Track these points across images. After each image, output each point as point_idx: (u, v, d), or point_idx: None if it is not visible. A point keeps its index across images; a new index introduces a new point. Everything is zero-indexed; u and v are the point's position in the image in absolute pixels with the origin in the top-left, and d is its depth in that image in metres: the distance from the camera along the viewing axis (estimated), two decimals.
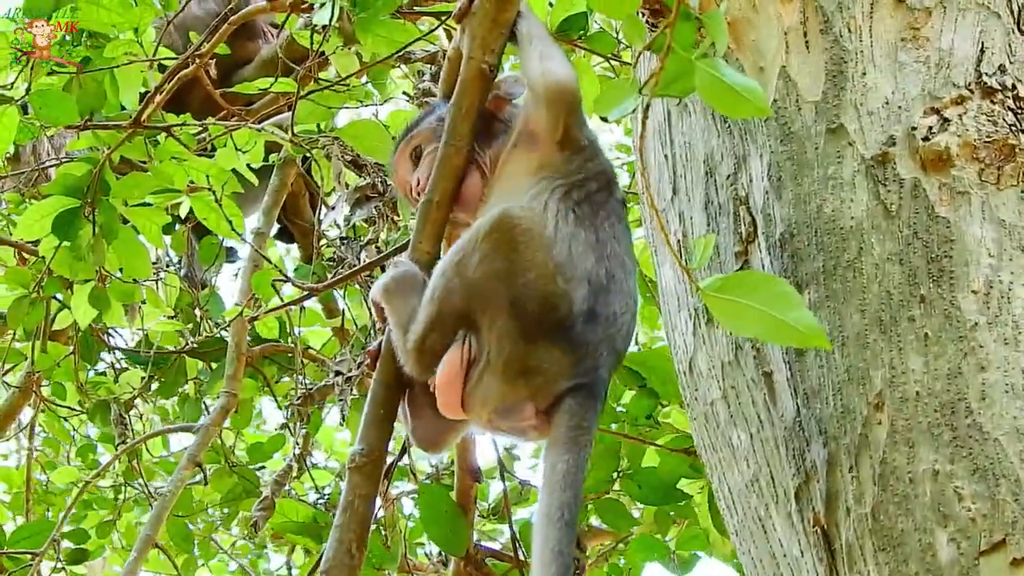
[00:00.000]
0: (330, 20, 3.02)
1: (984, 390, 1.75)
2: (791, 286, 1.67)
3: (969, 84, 1.95)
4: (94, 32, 3.25)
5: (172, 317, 4.59)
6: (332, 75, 3.94)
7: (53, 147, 4.68)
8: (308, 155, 4.08)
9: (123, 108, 3.38)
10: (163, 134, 3.36)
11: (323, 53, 3.27)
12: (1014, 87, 1.95)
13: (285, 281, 3.58)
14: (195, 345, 4.53)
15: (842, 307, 1.87)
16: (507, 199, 2.22)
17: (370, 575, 3.62)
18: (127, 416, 4.56)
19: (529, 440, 2.25)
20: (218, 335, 4.42)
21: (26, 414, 5.20)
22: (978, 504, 1.70)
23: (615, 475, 3.41)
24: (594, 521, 4.05)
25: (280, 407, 4.82)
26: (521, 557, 3.42)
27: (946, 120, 1.92)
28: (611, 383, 2.21)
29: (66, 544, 3.87)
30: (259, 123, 3.73)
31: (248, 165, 3.58)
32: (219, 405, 3.90)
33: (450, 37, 3.35)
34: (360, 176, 4.15)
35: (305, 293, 3.65)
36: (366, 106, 4.04)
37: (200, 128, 3.50)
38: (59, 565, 3.76)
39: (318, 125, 3.71)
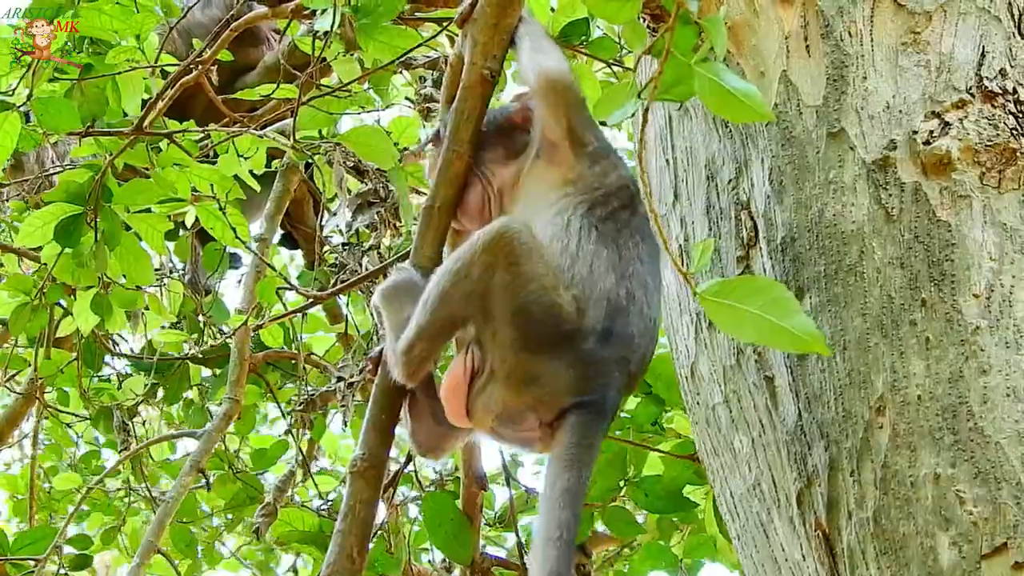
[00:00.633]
0: (332, 26, 3.02)
1: (985, 394, 1.75)
2: (790, 291, 1.67)
3: (970, 88, 1.94)
4: (96, 39, 3.25)
5: (176, 324, 4.59)
6: (334, 81, 3.94)
7: (57, 155, 4.69)
8: (311, 161, 4.08)
9: (125, 115, 3.39)
10: (165, 141, 3.36)
11: (325, 59, 3.27)
12: (1015, 91, 1.95)
13: (289, 289, 3.59)
14: (199, 353, 4.53)
15: (843, 311, 1.87)
16: (530, 213, 2.22)
17: None
18: (130, 423, 4.56)
19: (534, 451, 2.25)
20: (223, 342, 4.42)
21: (29, 420, 5.22)
22: (980, 508, 1.70)
23: (622, 483, 3.40)
24: (599, 527, 4.04)
25: (284, 416, 4.82)
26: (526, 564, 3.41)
27: (947, 124, 1.91)
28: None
29: (69, 550, 3.87)
30: (261, 129, 3.73)
31: (251, 171, 3.58)
32: (222, 411, 3.91)
33: (452, 43, 3.35)
34: (362, 182, 4.15)
35: (309, 301, 3.65)
36: (368, 112, 4.04)
37: (202, 135, 3.50)
38: (62, 571, 3.76)
39: (320, 131, 3.71)
